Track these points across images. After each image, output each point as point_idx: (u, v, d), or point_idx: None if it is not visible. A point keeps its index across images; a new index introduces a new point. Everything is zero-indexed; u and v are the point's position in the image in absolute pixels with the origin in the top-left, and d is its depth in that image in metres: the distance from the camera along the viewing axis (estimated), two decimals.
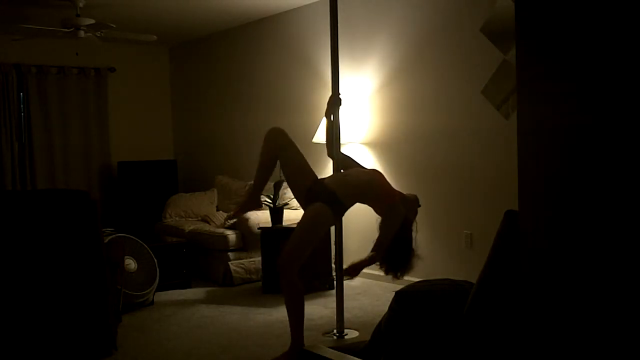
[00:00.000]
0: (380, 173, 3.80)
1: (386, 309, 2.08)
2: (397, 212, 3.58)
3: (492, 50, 4.77)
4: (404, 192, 3.88)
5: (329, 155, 4.13)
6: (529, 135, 1.37)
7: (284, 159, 3.74)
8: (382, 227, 3.62)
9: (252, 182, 3.88)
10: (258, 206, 3.96)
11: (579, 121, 1.28)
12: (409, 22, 5.49)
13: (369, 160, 5.73)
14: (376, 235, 3.65)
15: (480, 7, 4.90)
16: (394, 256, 3.58)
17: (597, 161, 1.25)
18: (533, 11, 1.36)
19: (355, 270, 3.56)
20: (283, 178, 3.94)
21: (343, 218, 3.89)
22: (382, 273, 3.86)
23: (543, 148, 1.35)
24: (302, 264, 3.57)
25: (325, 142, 4.18)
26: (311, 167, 3.81)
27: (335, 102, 4.05)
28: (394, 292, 2.08)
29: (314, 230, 3.59)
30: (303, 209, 3.68)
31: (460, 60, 5.12)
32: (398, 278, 3.72)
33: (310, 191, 3.61)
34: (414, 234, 3.66)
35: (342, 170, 3.98)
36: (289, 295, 3.56)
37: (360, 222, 5.17)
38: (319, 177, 3.78)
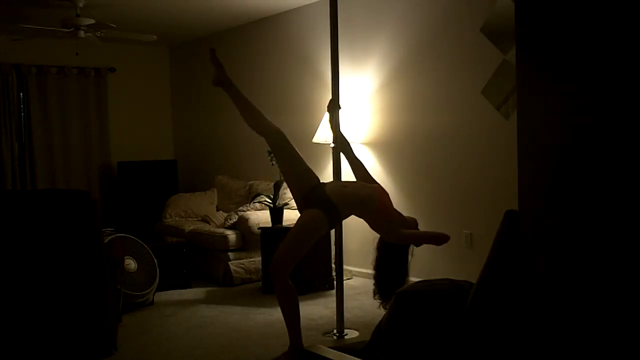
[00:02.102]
0: (384, 191, 3.61)
1: (386, 309, 2.08)
2: (393, 230, 3.45)
3: (492, 50, 4.77)
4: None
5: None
6: (529, 135, 1.37)
7: (280, 161, 3.75)
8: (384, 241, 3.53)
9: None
10: (218, 78, 4.36)
11: (578, 121, 1.28)
12: (409, 22, 5.49)
13: (369, 160, 5.73)
14: (375, 238, 3.61)
15: (480, 7, 4.90)
16: (388, 280, 3.45)
17: (597, 161, 1.25)
18: (533, 11, 1.36)
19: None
20: (283, 179, 3.92)
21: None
22: None
23: (543, 148, 1.35)
24: (294, 266, 3.57)
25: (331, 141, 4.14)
26: (311, 168, 3.78)
27: (334, 106, 4.07)
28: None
29: (308, 236, 3.58)
30: (299, 210, 3.68)
31: (460, 60, 5.12)
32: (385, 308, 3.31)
33: (310, 194, 3.60)
34: (410, 257, 3.55)
35: (341, 177, 3.97)
36: (282, 297, 3.57)
37: (360, 222, 5.16)
38: (320, 180, 3.76)
